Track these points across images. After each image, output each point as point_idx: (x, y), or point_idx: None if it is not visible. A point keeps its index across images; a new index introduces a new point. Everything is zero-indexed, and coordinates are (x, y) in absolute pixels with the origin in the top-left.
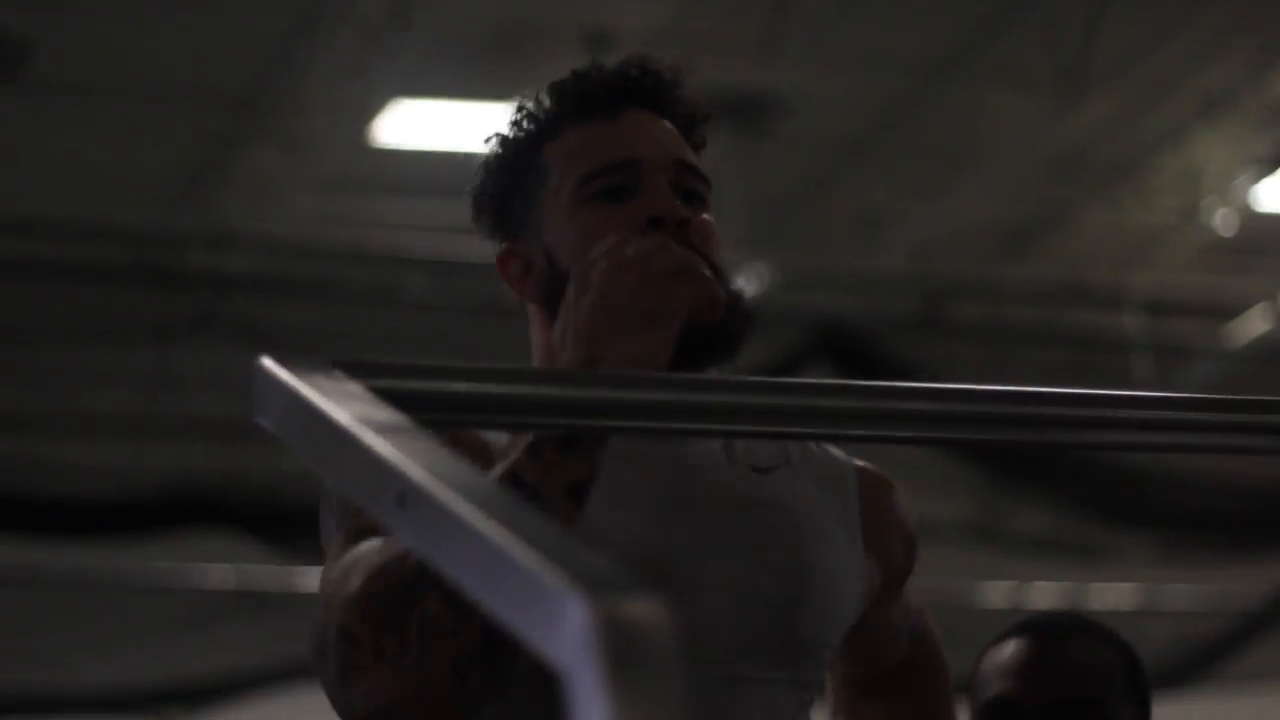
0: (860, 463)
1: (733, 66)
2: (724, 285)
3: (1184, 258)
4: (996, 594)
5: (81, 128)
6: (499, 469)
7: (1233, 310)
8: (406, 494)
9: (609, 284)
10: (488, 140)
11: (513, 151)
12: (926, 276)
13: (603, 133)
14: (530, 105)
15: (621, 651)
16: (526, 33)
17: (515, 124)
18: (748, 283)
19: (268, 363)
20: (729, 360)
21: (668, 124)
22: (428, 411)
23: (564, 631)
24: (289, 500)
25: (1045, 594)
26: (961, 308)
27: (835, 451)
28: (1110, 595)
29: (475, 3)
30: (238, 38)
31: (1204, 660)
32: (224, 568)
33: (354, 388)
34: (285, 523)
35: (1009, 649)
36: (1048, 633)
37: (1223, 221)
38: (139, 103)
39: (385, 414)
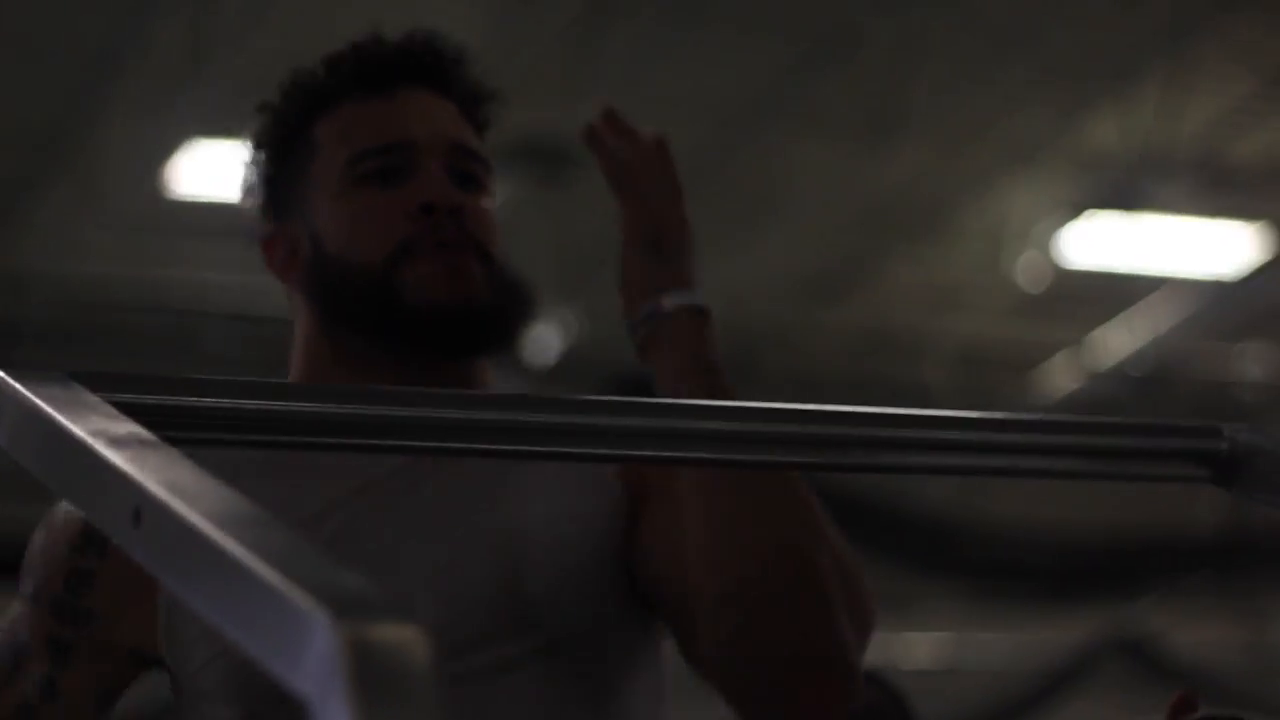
0: None
1: (536, 111)
2: (497, 272)
3: (989, 307)
4: None
5: None
6: None
7: (1037, 360)
8: (142, 510)
9: None
10: (258, 110)
11: (282, 125)
12: (733, 324)
13: (376, 111)
14: (303, 76)
15: (372, 678)
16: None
17: (286, 96)
18: (555, 332)
19: (0, 374)
20: (504, 348)
21: (448, 103)
22: (173, 427)
23: (308, 656)
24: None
25: None
26: (768, 356)
27: None
28: (921, 646)
29: (276, 44)
30: (32, 79)
31: (1012, 716)
32: None
33: (92, 400)
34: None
35: None
36: None
37: (1028, 272)
38: None
39: (123, 427)
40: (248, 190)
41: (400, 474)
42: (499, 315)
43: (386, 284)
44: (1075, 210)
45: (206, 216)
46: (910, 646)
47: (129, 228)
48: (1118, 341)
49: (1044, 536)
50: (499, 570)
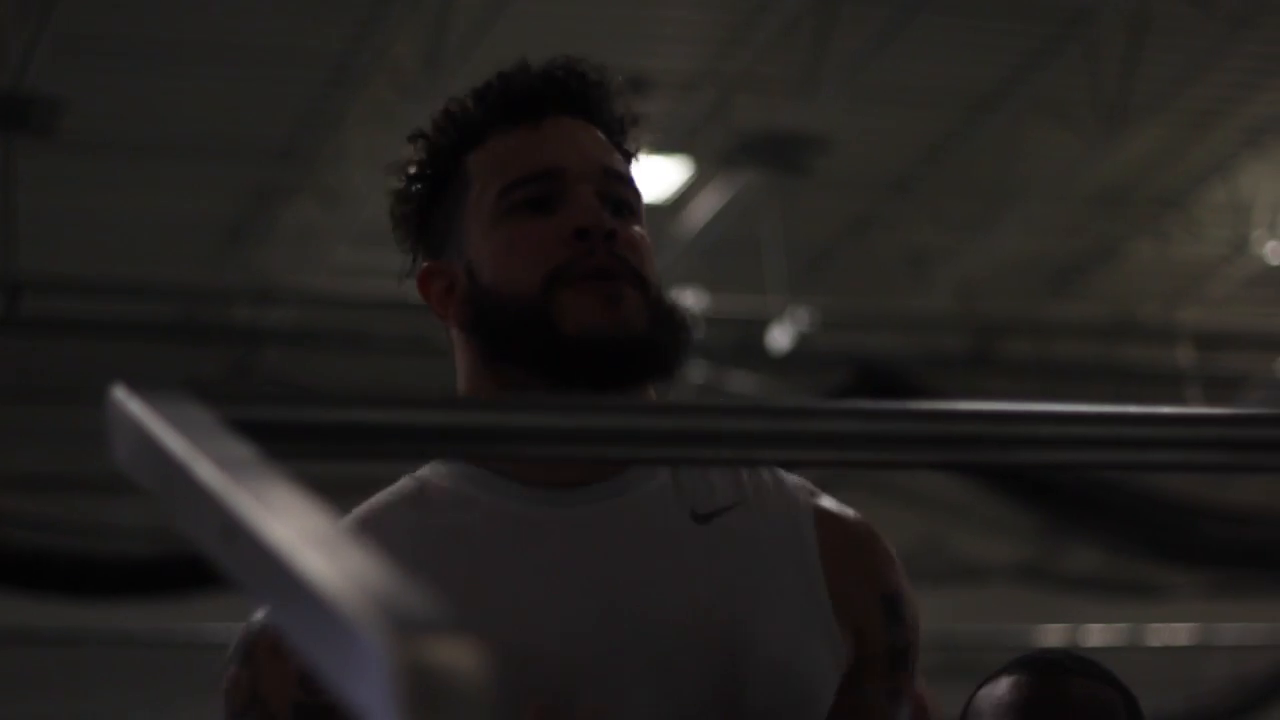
0: (825, 503)
1: (770, 107)
2: (654, 300)
3: (1234, 290)
4: (1051, 636)
5: (117, 185)
6: None
7: None
8: (230, 527)
9: None
10: (411, 140)
11: (433, 159)
12: (973, 314)
13: (525, 140)
14: (454, 108)
15: (424, 694)
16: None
17: (437, 128)
18: (789, 325)
19: (119, 392)
20: (664, 378)
21: (596, 130)
22: (286, 441)
23: (365, 672)
24: None
25: (1100, 634)
26: (1010, 344)
27: (792, 485)
28: (1166, 633)
29: (510, 53)
30: (273, 91)
31: (1258, 697)
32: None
33: (204, 418)
34: None
35: (1004, 686)
36: (1046, 670)
37: (1272, 252)
38: (176, 158)
39: (226, 446)
40: (396, 224)
41: (629, 542)
42: (656, 345)
43: (542, 314)
44: None
45: None
46: (1154, 634)
47: (371, 234)
48: None
49: None
50: (720, 672)
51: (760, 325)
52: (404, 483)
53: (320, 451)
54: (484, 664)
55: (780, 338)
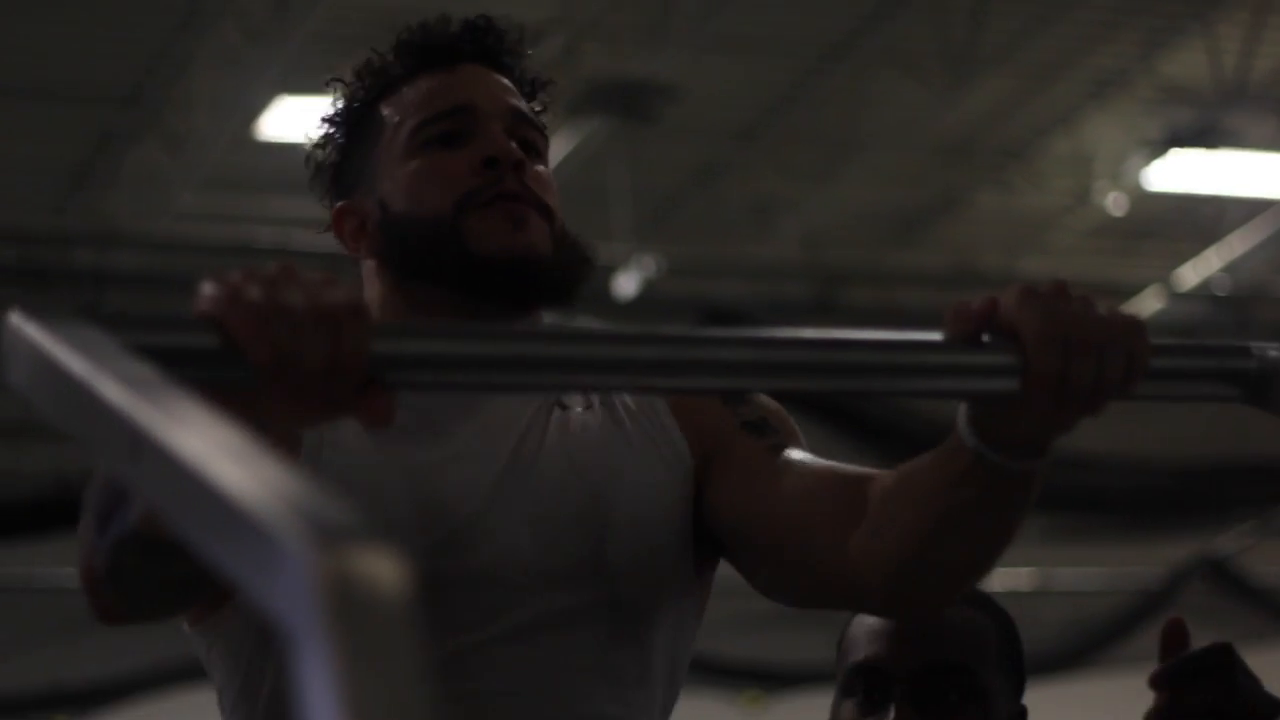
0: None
1: (619, 55)
2: (559, 229)
3: (1076, 240)
4: None
5: None
6: None
7: (1126, 291)
8: (138, 443)
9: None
10: (328, 85)
11: (349, 107)
12: (818, 263)
13: (439, 82)
14: (373, 59)
15: (348, 605)
16: (410, 23)
17: (355, 77)
18: (635, 272)
19: (16, 317)
20: (565, 302)
21: (505, 80)
22: (186, 366)
23: (285, 583)
24: None
25: None
26: (853, 293)
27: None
28: (1004, 577)
29: None
30: (119, 35)
31: (1097, 642)
32: None
33: (104, 341)
34: None
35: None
36: None
37: (1114, 203)
38: (20, 101)
39: (128, 366)
40: (313, 171)
41: (522, 418)
42: (559, 267)
43: (452, 233)
44: (1160, 141)
45: (293, 166)
46: (992, 577)
47: (216, 179)
48: (1203, 270)
49: (1126, 465)
50: (586, 527)
51: (607, 272)
52: None
53: (214, 377)
54: (406, 573)
55: (626, 284)
